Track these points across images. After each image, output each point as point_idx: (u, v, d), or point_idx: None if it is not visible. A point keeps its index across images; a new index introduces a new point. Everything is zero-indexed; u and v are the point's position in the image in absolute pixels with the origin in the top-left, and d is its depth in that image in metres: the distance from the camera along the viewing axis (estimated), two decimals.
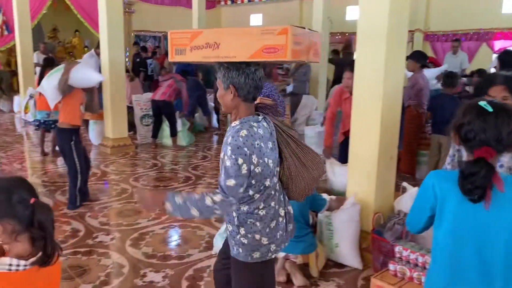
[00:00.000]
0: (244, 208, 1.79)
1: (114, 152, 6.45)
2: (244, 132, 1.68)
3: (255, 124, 1.74)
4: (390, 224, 3.16)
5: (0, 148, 6.80)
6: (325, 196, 3.22)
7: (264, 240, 1.82)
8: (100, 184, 5.08)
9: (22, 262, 1.33)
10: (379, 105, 3.18)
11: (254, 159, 1.68)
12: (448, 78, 4.89)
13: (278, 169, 1.86)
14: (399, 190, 3.57)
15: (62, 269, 3.11)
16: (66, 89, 4.08)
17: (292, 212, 2.00)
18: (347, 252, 3.26)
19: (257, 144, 1.70)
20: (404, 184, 3.52)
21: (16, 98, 9.94)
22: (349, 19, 13.51)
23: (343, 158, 4.27)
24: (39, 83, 6.11)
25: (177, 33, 1.88)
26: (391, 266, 2.77)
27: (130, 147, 6.74)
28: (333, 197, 3.38)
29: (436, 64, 6.95)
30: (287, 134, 1.90)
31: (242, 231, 1.81)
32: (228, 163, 1.67)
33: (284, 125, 1.95)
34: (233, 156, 1.65)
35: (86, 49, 14.71)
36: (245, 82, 1.73)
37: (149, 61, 10.25)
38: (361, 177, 3.38)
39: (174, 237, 3.74)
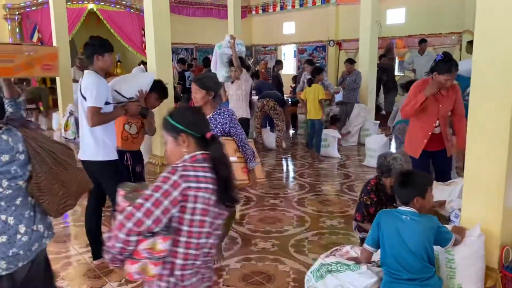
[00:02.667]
0: None
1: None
2: None
3: None
4: None
5: None
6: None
7: None
8: None
9: None
10: (509, 113, 2.64)
11: None
12: None
13: (20, 182, 1.81)
14: None
15: None
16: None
17: (43, 230, 1.92)
18: None
19: None
20: None
21: (54, 115, 9.74)
22: (390, 23, 12.93)
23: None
24: None
25: None
26: None
27: None
28: (449, 226, 2.84)
29: None
30: (44, 149, 1.87)
31: None
32: None
33: (46, 140, 1.94)
34: None
35: (118, 63, 14.61)
36: None
37: (187, 73, 9.89)
38: (482, 201, 2.83)
39: (255, 274, 3.25)
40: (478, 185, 2.85)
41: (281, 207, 4.66)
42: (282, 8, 16.58)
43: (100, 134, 3.13)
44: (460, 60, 9.34)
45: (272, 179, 5.82)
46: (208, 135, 1.71)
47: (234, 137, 3.18)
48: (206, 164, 1.65)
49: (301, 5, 15.87)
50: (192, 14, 15.99)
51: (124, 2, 13.60)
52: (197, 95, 3.15)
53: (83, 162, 3.18)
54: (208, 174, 1.62)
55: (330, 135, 7.05)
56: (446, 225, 2.80)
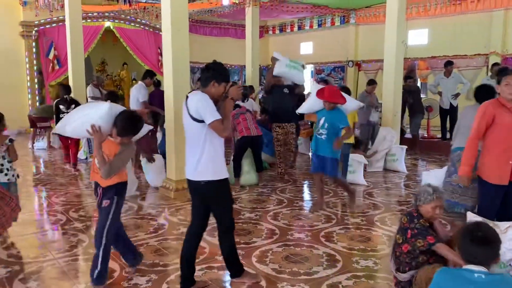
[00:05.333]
0: None
1: (179, 196, 5.66)
2: None
3: None
4: None
5: (53, 192, 6.17)
6: None
7: None
8: (172, 240, 4.26)
9: None
10: None
11: None
12: None
13: None
14: None
15: None
16: None
17: None
18: None
19: None
20: None
21: None
22: (412, 44, 12.56)
23: (497, 212, 3.29)
24: None
25: None
26: None
27: None
28: None
29: None
30: None
31: None
32: None
33: None
34: None
35: (134, 81, 14.44)
36: None
37: None
38: None
39: None
40: None
41: (308, 242, 4.21)
42: (300, 28, 16.37)
43: (212, 150, 3.00)
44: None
45: (294, 208, 5.39)
46: None
47: None
48: None
49: (319, 25, 15.64)
50: (209, 33, 15.85)
51: (141, 21, 13.48)
52: None
53: (190, 182, 3.10)
54: None
55: (356, 160, 6.62)
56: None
